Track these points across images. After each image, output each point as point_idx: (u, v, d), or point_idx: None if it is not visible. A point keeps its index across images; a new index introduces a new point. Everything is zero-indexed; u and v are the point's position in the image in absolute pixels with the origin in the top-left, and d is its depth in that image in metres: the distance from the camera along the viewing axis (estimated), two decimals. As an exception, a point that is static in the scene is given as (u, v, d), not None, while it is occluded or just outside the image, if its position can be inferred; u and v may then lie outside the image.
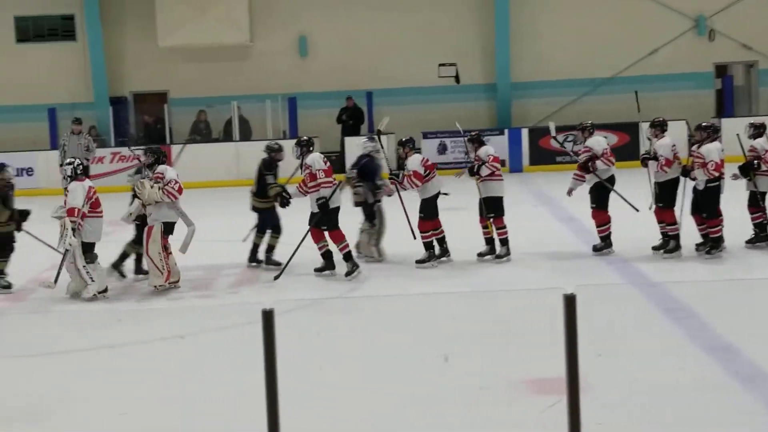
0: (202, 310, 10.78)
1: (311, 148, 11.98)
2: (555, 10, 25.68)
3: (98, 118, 24.98)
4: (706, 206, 12.02)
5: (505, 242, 12.37)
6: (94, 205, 11.24)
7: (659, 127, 12.34)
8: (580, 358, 5.18)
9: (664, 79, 25.39)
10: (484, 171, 12.28)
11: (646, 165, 12.38)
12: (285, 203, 12.27)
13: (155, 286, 11.33)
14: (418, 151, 12.77)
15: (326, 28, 25.78)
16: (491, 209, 12.32)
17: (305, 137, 12.31)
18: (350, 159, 22.55)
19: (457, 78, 25.71)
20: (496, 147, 23.17)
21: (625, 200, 12.59)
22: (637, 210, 12.59)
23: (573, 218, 14.59)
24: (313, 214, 11.81)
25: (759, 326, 8.87)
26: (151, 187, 11.37)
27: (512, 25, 25.41)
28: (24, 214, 11.90)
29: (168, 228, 11.46)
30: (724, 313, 9.35)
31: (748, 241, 12.43)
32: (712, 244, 12.01)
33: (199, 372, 8.27)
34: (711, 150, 11.90)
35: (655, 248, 12.35)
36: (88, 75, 25.66)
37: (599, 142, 12.65)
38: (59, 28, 25.97)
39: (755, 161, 12.33)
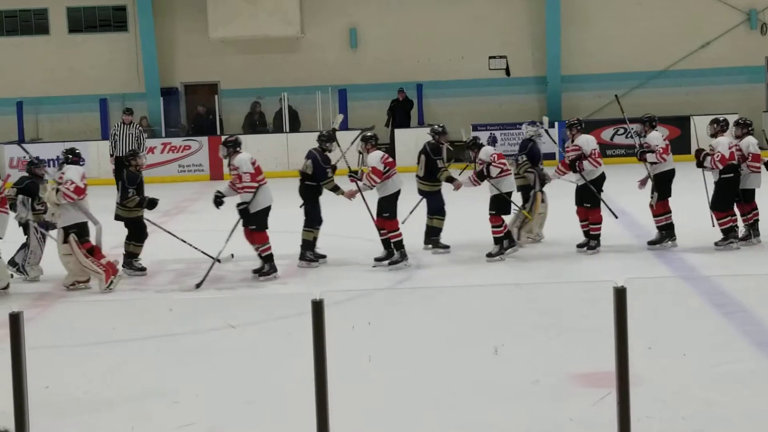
0: (252, 299, 10.85)
1: (238, 149, 11.79)
2: (606, 3, 25.52)
3: (149, 108, 25.18)
4: (717, 198, 12.13)
5: (498, 240, 12.12)
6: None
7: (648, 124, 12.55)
8: (630, 351, 5.18)
9: (715, 73, 25.16)
10: (494, 171, 12.07)
11: (643, 159, 12.37)
12: (451, 182, 12.48)
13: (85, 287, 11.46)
14: (379, 148, 12.56)
15: (376, 20, 25.80)
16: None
17: (232, 137, 12.23)
18: (400, 151, 22.78)
19: (507, 70, 25.66)
20: (546, 140, 23.29)
21: (606, 206, 12.46)
22: (617, 216, 12.59)
23: (624, 212, 14.50)
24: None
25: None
26: (53, 189, 11.33)
27: (563, 18, 25.27)
28: (153, 203, 12.15)
29: (80, 229, 11.36)
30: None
31: None
32: (722, 237, 12.15)
33: (250, 362, 8.34)
34: (720, 143, 12.05)
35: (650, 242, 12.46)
36: (140, 66, 25.84)
37: (588, 141, 12.40)
38: (111, 19, 26.16)
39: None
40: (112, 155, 18.67)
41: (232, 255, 11.68)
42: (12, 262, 11.91)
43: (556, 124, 23.87)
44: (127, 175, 12.22)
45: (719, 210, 12.16)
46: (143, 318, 10.33)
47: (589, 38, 25.45)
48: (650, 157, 12.30)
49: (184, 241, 12.06)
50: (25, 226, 11.96)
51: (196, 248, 11.89)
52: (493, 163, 12.11)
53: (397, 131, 23.87)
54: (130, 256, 12.16)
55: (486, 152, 12.25)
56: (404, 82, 24.95)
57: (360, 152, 12.58)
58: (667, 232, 12.32)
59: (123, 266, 11.99)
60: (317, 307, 5.18)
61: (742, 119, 12.71)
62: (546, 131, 13.50)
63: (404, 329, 9.09)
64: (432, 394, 7.25)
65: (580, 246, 12.40)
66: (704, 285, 10.61)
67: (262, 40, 25.48)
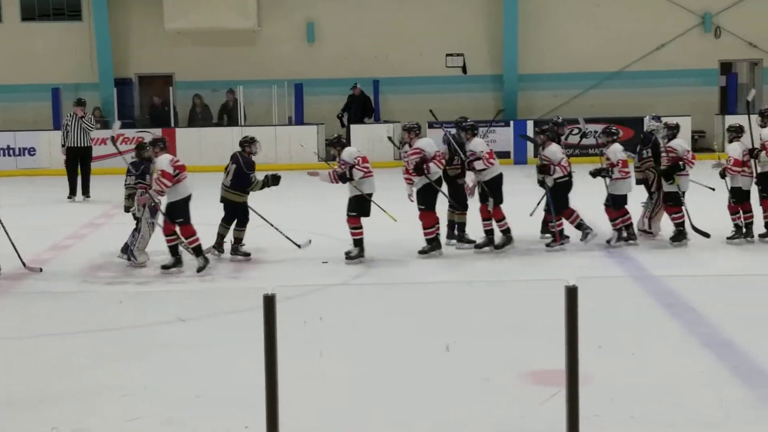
0: (203, 294, 10.80)
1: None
2: (563, 3, 25.66)
3: (102, 99, 24.99)
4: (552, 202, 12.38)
5: (358, 243, 11.99)
6: None
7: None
8: (580, 350, 5.20)
9: (669, 75, 25.40)
10: (357, 174, 11.81)
11: (471, 168, 12.34)
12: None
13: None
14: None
15: (334, 14, 25.77)
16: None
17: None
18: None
19: (464, 68, 25.72)
20: (501, 138, 23.33)
21: (449, 199, 12.44)
22: (395, 220, 12.36)
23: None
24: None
25: (756, 322, 8.88)
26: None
27: (520, 17, 25.38)
28: (276, 178, 12.34)
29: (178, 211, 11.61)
30: (722, 308, 9.35)
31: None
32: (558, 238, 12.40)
33: (201, 356, 8.29)
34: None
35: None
36: (93, 56, 25.64)
37: (430, 143, 12.28)
38: (65, 7, 25.94)
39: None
40: (63, 146, 18.52)
41: (310, 241, 12.32)
42: (125, 248, 11.99)
43: (511, 122, 24.01)
44: (245, 161, 12.24)
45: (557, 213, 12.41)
46: (92, 311, 10.24)
47: (546, 38, 25.58)
48: (478, 164, 12.19)
49: (274, 226, 12.36)
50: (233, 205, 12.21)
51: (283, 234, 12.22)
52: (356, 166, 11.80)
53: (352, 127, 23.84)
54: (237, 242, 12.30)
55: (349, 153, 11.97)
56: (361, 77, 24.93)
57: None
58: (506, 236, 12.33)
59: (231, 253, 12.24)
60: (269, 302, 5.16)
61: (608, 127, 12.96)
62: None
63: (356, 325, 9.07)
64: (382, 390, 7.25)
65: (422, 251, 12.24)
66: (654, 285, 10.69)
67: (218, 32, 25.36)
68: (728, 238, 12.54)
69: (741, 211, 12.55)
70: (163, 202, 11.66)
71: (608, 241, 12.44)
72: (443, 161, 12.27)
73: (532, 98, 25.48)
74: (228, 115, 24.95)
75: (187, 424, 6.61)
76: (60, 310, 10.30)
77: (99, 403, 7.14)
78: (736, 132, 12.68)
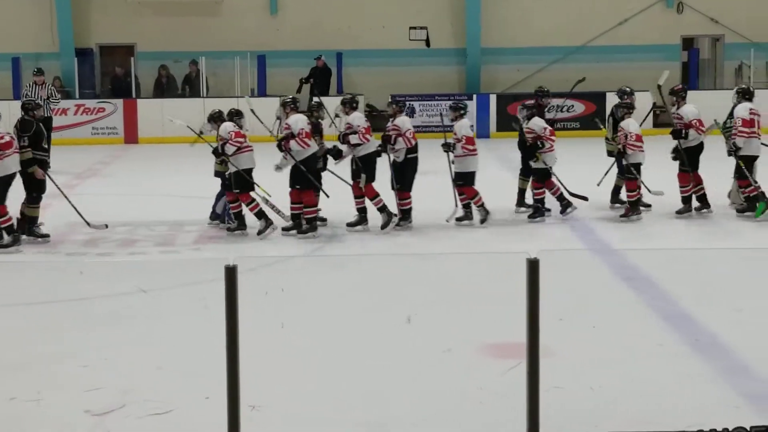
0: (165, 264, 10.76)
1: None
2: (527, -23, 25.63)
3: (63, 69, 24.72)
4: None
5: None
6: None
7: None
8: (541, 322, 5.23)
9: (631, 50, 25.43)
10: (230, 149, 11.65)
11: (346, 142, 12.10)
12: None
13: None
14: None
15: (297, -14, 25.60)
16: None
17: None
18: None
19: (427, 42, 25.66)
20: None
21: (319, 186, 12.12)
22: (327, 196, 12.16)
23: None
24: None
25: (715, 295, 8.97)
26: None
27: (484, -10, 25.34)
28: (339, 152, 12.26)
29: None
30: (682, 282, 9.43)
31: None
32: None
33: (161, 327, 8.27)
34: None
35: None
36: (54, 25, 25.30)
37: (301, 120, 11.94)
38: (25, -24, 25.60)
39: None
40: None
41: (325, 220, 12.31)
42: (214, 215, 12.18)
43: (474, 96, 24.01)
44: (314, 125, 12.27)
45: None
46: (53, 281, 10.18)
47: (509, 12, 25.54)
48: (353, 138, 11.98)
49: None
50: (221, 176, 12.09)
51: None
52: (230, 141, 11.65)
53: (315, 99, 23.73)
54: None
55: (225, 129, 11.79)
56: (324, 50, 24.78)
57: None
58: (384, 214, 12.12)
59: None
60: (230, 273, 5.14)
61: (456, 103, 13.00)
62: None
63: (318, 297, 9.08)
64: (344, 361, 7.26)
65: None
66: (615, 258, 10.77)
67: (180, 2, 25.13)
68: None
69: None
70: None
71: (475, 219, 12.45)
72: (306, 140, 11.83)
73: (495, 72, 25.45)
74: (190, 87, 24.78)
75: (147, 395, 6.59)
76: (21, 280, 10.23)
77: (58, 373, 7.11)
78: (628, 108, 12.76)
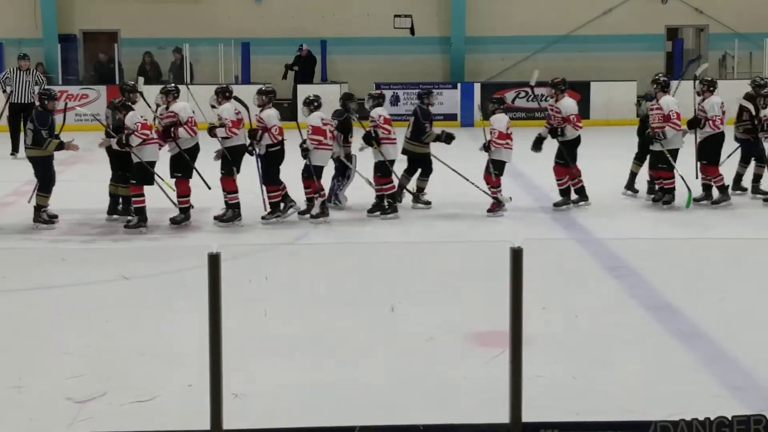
0: (148, 251, 10.73)
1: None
2: (512, -35, 25.62)
3: (46, 55, 24.59)
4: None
5: (140, 211, 11.60)
6: None
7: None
8: (524, 311, 5.23)
9: (616, 40, 25.45)
10: (135, 141, 11.43)
11: (213, 135, 11.84)
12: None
13: None
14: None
15: (282, -27, 25.53)
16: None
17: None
18: (301, 106, 22.44)
19: (412, 30, 25.63)
20: (448, 101, 23.26)
21: (200, 176, 11.93)
22: (209, 187, 11.95)
23: (520, 174, 14.64)
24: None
25: (697, 285, 9.00)
26: None
27: (469, -21, 25.33)
28: (450, 136, 12.62)
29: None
30: (664, 271, 9.46)
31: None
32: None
33: (144, 314, 8.25)
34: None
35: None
36: (37, 10, 25.16)
37: (185, 108, 11.80)
38: (7, -40, 25.44)
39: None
40: (6, 102, 18.24)
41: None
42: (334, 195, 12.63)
43: (459, 85, 24.00)
44: (422, 113, 12.66)
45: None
46: (35, 268, 10.14)
47: (494, 1, 25.52)
48: (219, 132, 11.67)
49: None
50: (337, 160, 12.53)
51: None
52: (135, 132, 11.45)
53: (299, 87, 23.67)
54: (419, 191, 12.86)
55: (130, 119, 11.49)
56: (308, 37, 24.72)
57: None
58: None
59: (412, 202, 12.75)
60: (214, 261, 5.13)
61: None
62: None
63: (301, 284, 9.07)
64: (327, 349, 7.26)
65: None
66: (598, 248, 10.78)
67: (164, -11, 25.05)
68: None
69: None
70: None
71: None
72: (194, 128, 11.69)
73: (479, 61, 25.44)
74: (174, 74, 24.68)
75: (129, 382, 6.58)
76: (2, 267, 10.18)
77: (40, 360, 7.09)
78: (499, 103, 12.73)
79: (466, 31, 25.43)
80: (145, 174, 11.54)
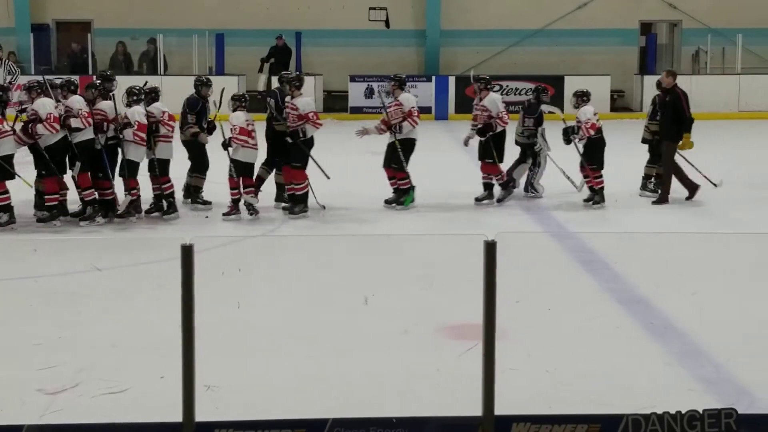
0: (121, 243, 10.68)
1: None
2: (487, -41, 25.64)
3: (19, 44, 24.43)
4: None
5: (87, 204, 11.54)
6: None
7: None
8: (497, 304, 5.23)
9: (590, 34, 25.55)
10: (41, 129, 11.13)
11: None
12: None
13: None
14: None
15: (256, -36, 25.46)
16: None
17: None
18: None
19: (387, 22, 25.62)
20: (423, 94, 23.28)
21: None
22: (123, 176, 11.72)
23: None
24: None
25: (670, 279, 9.03)
26: None
27: (444, -28, 25.34)
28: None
29: None
30: (637, 266, 9.49)
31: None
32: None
33: (117, 305, 8.21)
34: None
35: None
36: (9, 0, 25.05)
37: (45, 104, 11.30)
38: (-22, -51, 25.26)
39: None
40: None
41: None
42: (528, 186, 12.90)
43: (433, 78, 24.01)
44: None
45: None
46: (7, 258, 10.08)
47: (469, -6, 25.57)
48: (74, 122, 11.30)
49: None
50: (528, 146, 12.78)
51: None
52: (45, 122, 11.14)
53: (274, 79, 23.61)
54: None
55: (41, 106, 11.24)
56: (283, 29, 24.68)
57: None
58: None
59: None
60: (187, 252, 5.10)
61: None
62: None
63: (275, 277, 9.05)
64: (300, 342, 7.24)
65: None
66: (572, 241, 10.81)
67: (138, -22, 24.93)
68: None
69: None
70: None
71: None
72: (54, 125, 11.22)
73: (454, 54, 25.47)
74: (147, 64, 24.57)
75: (102, 373, 6.54)
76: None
77: (12, 351, 7.04)
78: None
79: (441, 24, 25.45)
80: (2, 170, 11.11)
